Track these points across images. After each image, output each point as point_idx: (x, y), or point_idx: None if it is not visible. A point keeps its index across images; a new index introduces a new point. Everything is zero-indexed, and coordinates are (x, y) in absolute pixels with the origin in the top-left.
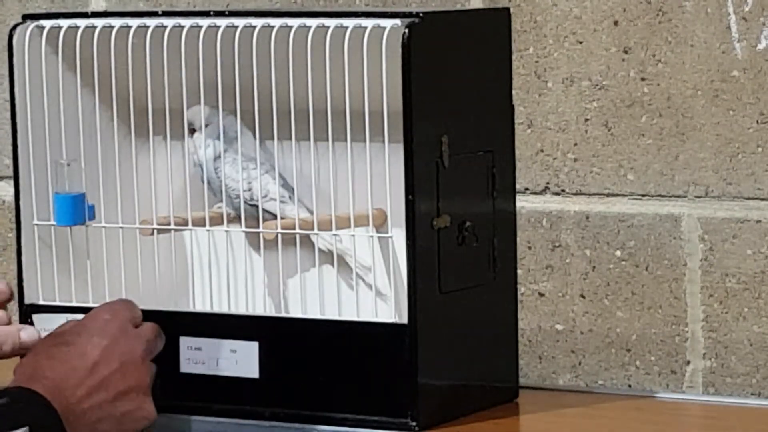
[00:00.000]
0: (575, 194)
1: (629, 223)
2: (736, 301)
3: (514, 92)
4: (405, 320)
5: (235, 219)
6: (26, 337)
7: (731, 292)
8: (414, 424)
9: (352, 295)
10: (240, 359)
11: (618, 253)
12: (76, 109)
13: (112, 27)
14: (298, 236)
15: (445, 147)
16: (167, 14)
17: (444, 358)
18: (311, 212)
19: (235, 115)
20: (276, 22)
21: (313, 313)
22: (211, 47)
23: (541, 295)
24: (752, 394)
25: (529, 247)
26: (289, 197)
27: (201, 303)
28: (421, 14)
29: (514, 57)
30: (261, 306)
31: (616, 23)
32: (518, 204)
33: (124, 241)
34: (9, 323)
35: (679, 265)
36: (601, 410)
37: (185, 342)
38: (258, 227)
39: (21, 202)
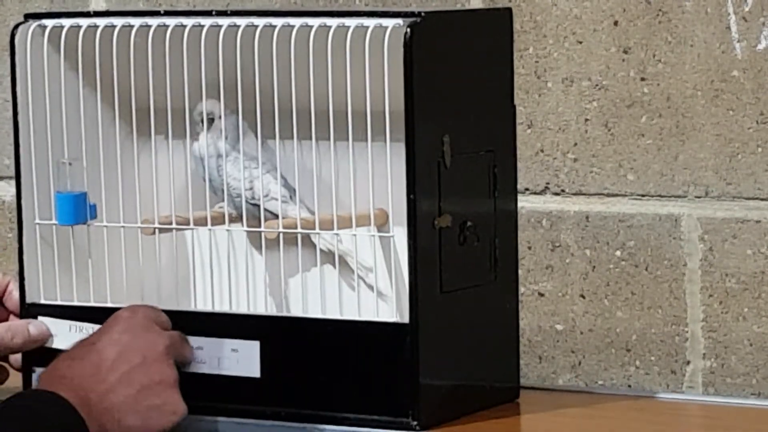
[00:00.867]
0: (575, 194)
1: (629, 223)
2: (736, 301)
3: (514, 92)
4: (406, 320)
5: (236, 218)
6: (35, 330)
7: (731, 292)
8: (415, 423)
9: (354, 295)
10: (241, 358)
11: (618, 253)
12: (78, 108)
13: (114, 26)
14: (299, 236)
15: (446, 147)
16: (169, 14)
17: (445, 357)
18: (312, 212)
19: (237, 115)
20: (278, 21)
21: (315, 313)
22: (213, 47)
23: (541, 295)
24: (752, 394)
25: (529, 247)
26: (291, 197)
27: (202, 302)
28: (422, 14)
29: (514, 57)
30: (262, 305)
31: (616, 23)
32: (518, 204)
33: (126, 241)
34: (7, 319)
35: (679, 265)
36: (601, 410)
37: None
38: (259, 227)
39: (23, 202)
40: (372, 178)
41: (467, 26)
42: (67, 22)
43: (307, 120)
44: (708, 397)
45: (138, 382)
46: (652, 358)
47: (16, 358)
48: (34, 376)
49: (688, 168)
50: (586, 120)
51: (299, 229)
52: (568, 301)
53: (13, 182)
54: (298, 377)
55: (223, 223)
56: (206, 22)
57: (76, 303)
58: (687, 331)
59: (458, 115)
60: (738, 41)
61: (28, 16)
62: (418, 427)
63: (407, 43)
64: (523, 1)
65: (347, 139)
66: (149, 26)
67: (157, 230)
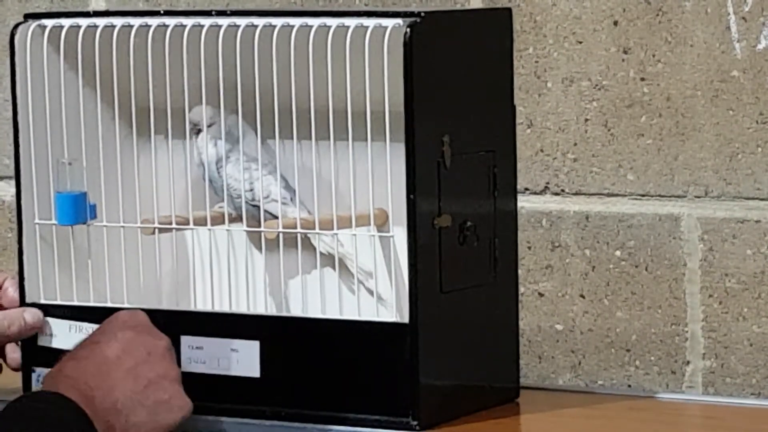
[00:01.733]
0: (575, 194)
1: (629, 223)
2: (736, 301)
3: (514, 92)
4: (406, 320)
5: (236, 219)
6: (30, 318)
7: (731, 292)
8: (415, 423)
9: (353, 295)
10: (241, 358)
11: (618, 253)
12: (78, 108)
13: (113, 26)
14: (299, 236)
15: (446, 147)
16: (169, 14)
17: (445, 357)
18: (312, 214)
19: (238, 115)
20: (278, 21)
21: (314, 313)
22: (213, 47)
23: (541, 295)
24: (752, 394)
25: (529, 247)
26: (291, 199)
27: (202, 302)
28: (422, 14)
29: (514, 57)
30: (262, 305)
31: (615, 23)
32: (518, 204)
33: (126, 241)
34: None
35: (679, 265)
36: (601, 410)
37: (186, 341)
38: (259, 227)
39: (22, 202)
40: (372, 178)
41: (467, 26)
42: (66, 22)
43: (306, 120)
44: (708, 397)
45: (144, 377)
46: (652, 358)
47: (13, 358)
48: (34, 376)
49: (688, 168)
50: (586, 120)
51: (299, 230)
52: (568, 301)
53: (13, 182)
54: (297, 377)
55: (223, 223)
56: (206, 22)
57: (76, 303)
58: (687, 331)
59: (458, 115)
60: (738, 41)
61: (28, 16)
62: (418, 427)
63: (407, 43)
64: (523, 1)
65: (347, 139)
66: (149, 26)
67: (156, 230)
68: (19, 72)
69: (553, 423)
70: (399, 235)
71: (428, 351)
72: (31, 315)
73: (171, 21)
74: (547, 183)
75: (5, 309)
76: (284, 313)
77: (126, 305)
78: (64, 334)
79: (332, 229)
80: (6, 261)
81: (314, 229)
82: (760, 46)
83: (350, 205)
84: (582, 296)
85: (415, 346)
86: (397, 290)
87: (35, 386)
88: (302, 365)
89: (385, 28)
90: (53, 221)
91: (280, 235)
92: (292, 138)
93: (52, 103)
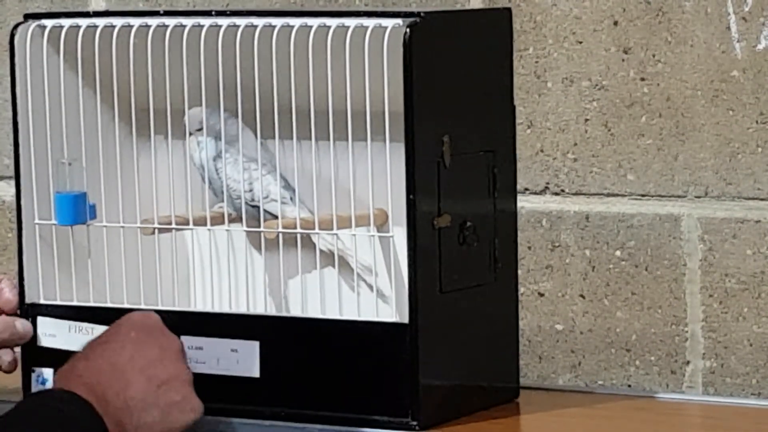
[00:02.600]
0: (575, 194)
1: (629, 223)
2: (736, 301)
3: (514, 92)
4: (406, 320)
5: (236, 219)
6: (21, 327)
7: (731, 292)
8: (414, 423)
9: (353, 295)
10: (241, 359)
11: (618, 253)
12: (78, 108)
13: (113, 26)
14: (299, 236)
15: (446, 147)
16: (169, 14)
17: (444, 357)
18: (312, 213)
19: (237, 116)
20: (277, 21)
21: (314, 313)
22: (213, 47)
23: (541, 295)
24: (752, 394)
25: (529, 247)
26: (291, 198)
27: (202, 302)
28: (422, 14)
29: (514, 57)
30: (262, 305)
31: (615, 23)
32: (518, 204)
33: (126, 241)
34: None
35: (679, 265)
36: (601, 410)
37: (186, 341)
38: (259, 227)
39: (22, 202)
40: (371, 179)
41: (467, 26)
42: (66, 22)
43: (306, 120)
44: (708, 397)
45: (157, 378)
46: (652, 358)
47: (4, 360)
48: (34, 376)
49: (688, 168)
50: (586, 120)
51: (298, 230)
52: (568, 301)
53: (13, 182)
54: (297, 377)
55: (223, 223)
56: (206, 22)
57: (75, 303)
58: (687, 331)
59: (458, 115)
60: (738, 41)
61: (28, 16)
62: (417, 427)
63: (407, 44)
64: (523, 1)
65: (347, 139)
66: (149, 26)
67: (156, 230)
68: (19, 72)
69: (553, 423)
70: (399, 235)
71: (428, 351)
72: (23, 326)
73: (171, 21)
74: (547, 183)
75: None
76: (284, 314)
77: (126, 305)
78: (64, 335)
79: (332, 229)
80: (6, 261)
81: (314, 229)
82: (760, 46)
83: (350, 205)
84: (582, 296)
85: (414, 346)
86: (396, 290)
87: (35, 386)
88: (302, 365)
89: (385, 28)
90: (53, 221)
91: (280, 235)
92: (291, 138)
93: (51, 103)
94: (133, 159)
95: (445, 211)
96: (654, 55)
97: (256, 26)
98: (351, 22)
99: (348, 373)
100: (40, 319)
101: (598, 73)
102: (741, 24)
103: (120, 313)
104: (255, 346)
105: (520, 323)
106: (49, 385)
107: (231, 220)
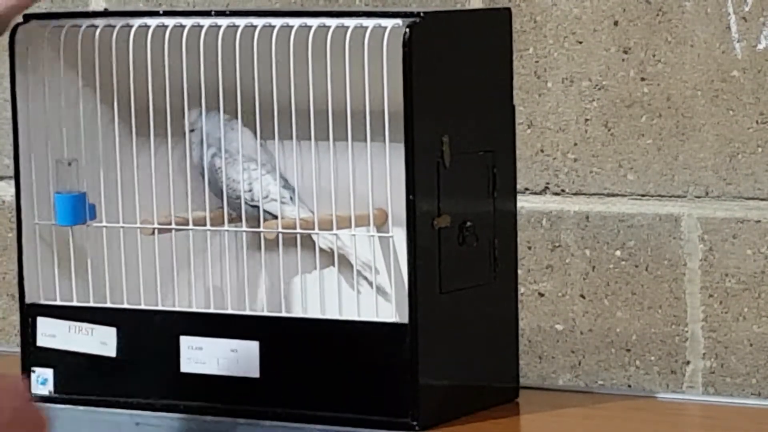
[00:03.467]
0: (575, 194)
1: (629, 223)
2: (736, 301)
3: (513, 92)
4: (406, 320)
5: (235, 219)
6: None
7: (731, 292)
8: (414, 423)
9: (353, 295)
10: (241, 359)
11: (618, 253)
12: (77, 108)
13: (113, 27)
14: (298, 236)
15: (446, 147)
16: (168, 14)
17: (444, 357)
18: (312, 212)
19: (236, 116)
20: (277, 21)
21: (314, 313)
22: (213, 47)
23: (541, 295)
24: (752, 394)
25: (529, 247)
26: (290, 198)
27: (202, 303)
28: (422, 14)
29: (514, 57)
30: (262, 306)
31: (616, 23)
32: (518, 204)
33: (125, 241)
34: None
35: (679, 265)
36: (601, 410)
37: (186, 341)
38: (259, 227)
39: (22, 202)
40: (371, 179)
41: (467, 26)
42: (66, 23)
43: (306, 120)
44: (708, 397)
45: None
46: (652, 358)
47: None
48: (34, 376)
49: (688, 168)
50: (586, 120)
51: (298, 230)
52: (568, 301)
53: (13, 182)
54: (297, 377)
55: (223, 223)
56: (205, 22)
57: (75, 303)
58: (687, 331)
59: (458, 115)
60: (738, 41)
61: (28, 17)
62: (417, 427)
63: (406, 44)
64: (523, 1)
65: (346, 139)
66: (148, 27)
67: (156, 230)
68: (19, 72)
69: (553, 423)
70: (398, 235)
71: (428, 351)
72: None
73: (170, 21)
74: (547, 183)
75: None
76: (284, 314)
77: (125, 306)
78: (64, 335)
79: (331, 229)
80: (7, 261)
81: (313, 229)
82: (760, 46)
83: (350, 205)
84: (582, 296)
85: (414, 346)
86: (396, 290)
87: (35, 387)
88: (302, 366)
89: (385, 28)
90: (53, 222)
91: (280, 235)
92: (291, 138)
93: (51, 104)
94: (132, 159)
95: (445, 211)
96: (654, 55)
97: (255, 26)
98: (350, 23)
99: (348, 373)
100: (39, 320)
101: (598, 73)
102: (741, 24)
103: (120, 313)
104: (255, 346)
105: (520, 323)
106: (50, 385)
107: (231, 221)
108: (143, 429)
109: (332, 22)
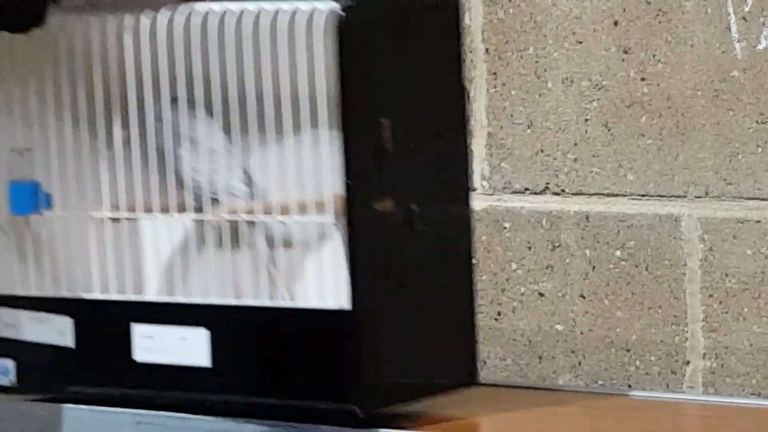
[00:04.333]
0: (575, 194)
1: (629, 223)
2: (736, 301)
3: (513, 92)
4: (350, 306)
5: (188, 207)
6: None
7: (731, 292)
8: (359, 410)
9: (301, 282)
10: (191, 347)
11: (618, 253)
12: (31, 97)
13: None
14: (245, 224)
15: (385, 130)
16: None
17: (390, 344)
18: (262, 201)
19: (193, 106)
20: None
21: (263, 301)
22: (169, 37)
23: (541, 295)
24: (752, 394)
25: (529, 247)
26: (249, 189)
27: (154, 291)
28: None
29: (513, 57)
30: (212, 294)
31: (616, 23)
32: (518, 204)
33: (80, 230)
34: None
35: (679, 265)
36: (601, 410)
37: (138, 330)
38: (210, 216)
39: None
40: (310, 166)
41: (409, 7)
42: None
43: (243, 108)
44: (708, 397)
45: None
46: (652, 358)
47: None
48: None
49: (688, 168)
50: (586, 120)
51: (243, 216)
52: (568, 301)
53: None
54: (247, 366)
55: (176, 212)
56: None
57: (33, 293)
58: (687, 331)
59: (401, 99)
60: (738, 41)
61: None
62: (362, 415)
63: (340, 27)
64: (523, 1)
65: (283, 126)
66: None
67: (110, 219)
68: None
69: (553, 423)
70: (341, 222)
71: (373, 338)
72: None
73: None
74: (547, 183)
75: None
76: (234, 302)
77: (80, 295)
78: (23, 325)
79: (277, 216)
80: None
81: (260, 216)
82: (760, 46)
83: (292, 193)
84: (582, 296)
85: (359, 333)
86: (341, 278)
87: None
88: (251, 354)
89: (320, 12)
90: (7, 211)
91: (228, 223)
92: (230, 127)
93: (2, 93)
94: (87, 147)
95: (389, 196)
96: (654, 55)
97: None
98: (286, 6)
99: (295, 361)
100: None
101: (598, 73)
102: (741, 24)
103: (75, 303)
104: (205, 334)
105: (520, 323)
106: (12, 376)
107: (183, 209)
108: (143, 428)
109: (268, 6)
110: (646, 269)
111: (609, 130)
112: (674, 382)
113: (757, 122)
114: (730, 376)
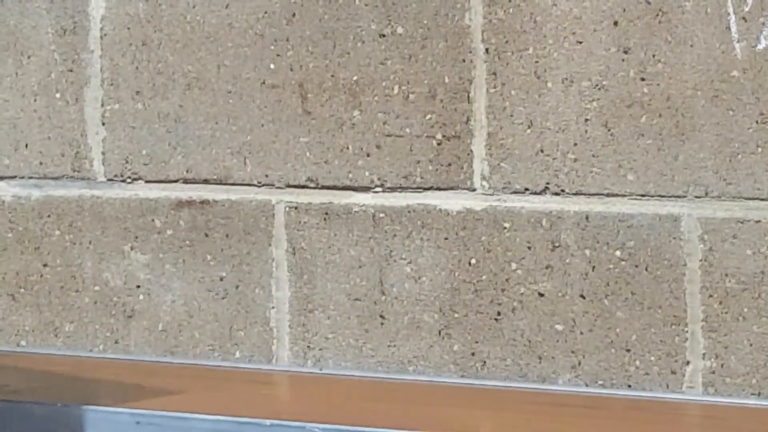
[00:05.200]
0: (575, 194)
1: (629, 223)
2: (736, 301)
3: (513, 92)
4: None
5: None
6: None
7: (731, 292)
8: None
9: None
10: None
11: (618, 253)
12: None
13: None
14: None
15: None
16: None
17: None
18: None
19: None
20: None
21: None
22: None
23: (541, 295)
24: (752, 394)
25: (529, 247)
26: None
27: None
28: None
29: (513, 57)
30: None
31: (616, 23)
32: (518, 204)
33: None
34: None
35: (679, 265)
36: (601, 410)
37: None
38: None
39: None
40: None
41: None
42: None
43: None
44: (708, 397)
45: None
46: (652, 358)
47: None
48: None
49: (688, 168)
50: (586, 120)
51: None
52: (568, 301)
53: (12, 182)
54: None
55: None
56: None
57: None
58: (687, 331)
59: None
60: (738, 41)
61: None
62: None
63: None
64: (523, 1)
65: None
66: None
67: None
68: None
69: (553, 423)
70: None
71: None
72: None
73: None
74: (547, 183)
75: None
76: None
77: None
78: None
79: None
80: (7, 261)
81: None
82: (760, 46)
83: None
84: (582, 296)
85: None
86: None
87: None
88: None
89: None
90: None
91: None
92: None
93: None
94: None
95: None
96: (654, 55)
97: None
98: None
99: None
100: None
101: (598, 73)
102: (741, 24)
103: None
104: None
105: (520, 323)
106: None
107: None
108: (143, 428)
109: None
110: (646, 269)
111: (609, 130)
112: (674, 382)
113: (757, 122)
114: (730, 376)
